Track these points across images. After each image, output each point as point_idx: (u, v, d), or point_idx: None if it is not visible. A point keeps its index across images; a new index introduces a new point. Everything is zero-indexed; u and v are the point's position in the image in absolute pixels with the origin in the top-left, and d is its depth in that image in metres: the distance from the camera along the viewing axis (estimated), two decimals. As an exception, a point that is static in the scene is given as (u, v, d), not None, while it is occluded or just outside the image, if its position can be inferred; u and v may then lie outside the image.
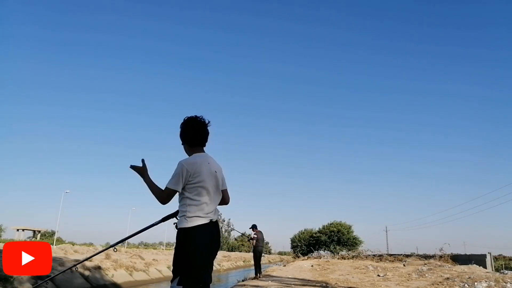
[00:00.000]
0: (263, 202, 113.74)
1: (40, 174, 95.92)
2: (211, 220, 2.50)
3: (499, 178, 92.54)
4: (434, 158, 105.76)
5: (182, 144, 2.73)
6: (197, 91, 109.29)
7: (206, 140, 2.71)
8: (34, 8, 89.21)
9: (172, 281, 2.39)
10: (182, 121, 2.70)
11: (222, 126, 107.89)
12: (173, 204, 2.56)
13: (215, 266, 29.05)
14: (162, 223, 2.76)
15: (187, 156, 2.68)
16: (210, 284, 2.53)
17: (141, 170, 2.61)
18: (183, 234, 2.43)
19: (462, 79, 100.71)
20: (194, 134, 2.65)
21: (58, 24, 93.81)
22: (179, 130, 2.71)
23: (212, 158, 2.71)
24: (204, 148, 2.73)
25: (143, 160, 2.65)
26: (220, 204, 2.74)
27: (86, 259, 3.06)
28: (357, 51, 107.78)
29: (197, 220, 2.43)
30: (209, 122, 2.70)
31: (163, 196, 2.51)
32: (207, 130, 2.69)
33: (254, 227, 10.93)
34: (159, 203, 2.52)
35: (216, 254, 2.60)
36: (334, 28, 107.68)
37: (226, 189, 2.76)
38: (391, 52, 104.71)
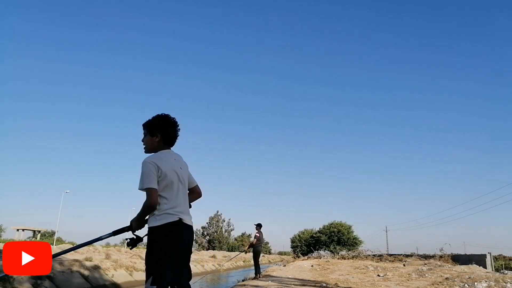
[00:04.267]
0: (263, 202, 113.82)
1: (40, 174, 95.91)
2: (180, 219, 2.44)
3: (499, 178, 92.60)
4: (434, 158, 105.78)
5: (147, 137, 2.67)
6: (198, 88, 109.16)
7: (174, 140, 2.72)
8: (35, 3, 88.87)
9: (146, 281, 2.35)
10: (154, 116, 2.69)
11: (222, 124, 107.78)
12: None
13: (215, 266, 29.03)
14: (113, 236, 2.56)
15: (149, 152, 2.66)
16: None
17: (130, 227, 2.51)
18: (152, 232, 2.40)
19: (464, 76, 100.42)
20: (169, 132, 2.65)
21: (58, 19, 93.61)
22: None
23: (178, 155, 2.72)
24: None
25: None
26: (195, 199, 2.78)
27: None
28: (358, 47, 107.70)
29: (166, 217, 2.40)
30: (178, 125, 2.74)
31: (149, 199, 2.39)
32: (177, 130, 2.72)
33: (259, 226, 10.90)
34: (152, 208, 2.41)
35: (189, 255, 2.53)
36: (337, 23, 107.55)
37: (197, 185, 2.79)
38: (394, 48, 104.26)
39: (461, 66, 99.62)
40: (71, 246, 27.10)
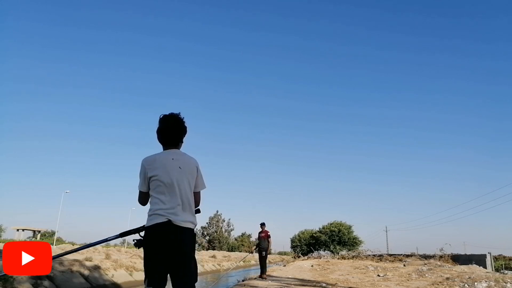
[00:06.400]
0: (263, 202, 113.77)
1: (40, 174, 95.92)
2: (169, 220, 2.33)
3: (499, 178, 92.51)
4: (435, 157, 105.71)
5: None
6: (200, 88, 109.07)
7: (176, 139, 2.58)
8: (34, 3, 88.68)
9: (144, 281, 2.34)
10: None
11: (222, 125, 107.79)
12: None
13: (215, 266, 29.03)
14: (120, 238, 2.60)
15: None
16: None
17: (137, 229, 2.52)
18: (144, 233, 2.39)
19: (465, 75, 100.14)
20: (161, 133, 2.59)
21: (58, 20, 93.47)
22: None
23: (183, 155, 2.57)
24: (182, 146, 2.65)
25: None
26: None
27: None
28: (360, 46, 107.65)
29: (154, 218, 2.36)
30: (183, 119, 2.60)
31: (138, 198, 2.55)
32: (178, 128, 2.58)
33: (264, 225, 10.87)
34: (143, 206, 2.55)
35: (182, 257, 2.35)
36: (337, 24, 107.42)
37: (198, 192, 2.59)
38: (395, 48, 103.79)
39: (460, 66, 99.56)
40: (71, 246, 27.12)
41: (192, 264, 2.42)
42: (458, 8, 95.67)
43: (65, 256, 16.27)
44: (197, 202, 2.60)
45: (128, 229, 2.55)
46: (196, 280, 2.43)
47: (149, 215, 2.41)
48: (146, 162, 2.47)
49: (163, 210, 2.37)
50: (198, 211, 2.65)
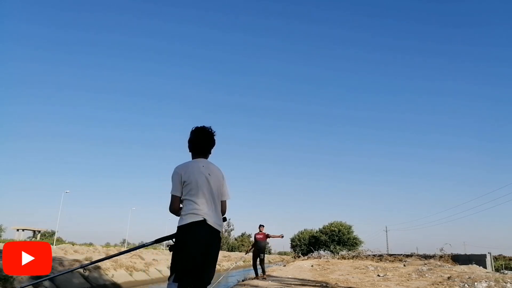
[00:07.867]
0: (263, 202, 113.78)
1: (40, 174, 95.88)
2: (205, 219, 2.50)
3: (499, 178, 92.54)
4: (435, 158, 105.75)
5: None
6: (199, 90, 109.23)
7: (206, 150, 2.82)
8: (35, 6, 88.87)
9: (169, 278, 2.44)
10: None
11: (221, 125, 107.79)
12: (169, 227, 2.49)
13: (215, 266, 28.94)
14: (155, 244, 2.80)
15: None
16: (210, 285, 2.53)
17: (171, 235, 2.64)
18: (178, 232, 2.52)
19: (464, 77, 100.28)
20: (192, 144, 2.81)
21: (60, 22, 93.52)
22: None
23: (211, 164, 2.79)
24: (210, 156, 2.86)
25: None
26: None
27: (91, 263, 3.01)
28: (358, 49, 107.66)
29: (190, 217, 2.49)
30: (213, 132, 2.82)
31: (170, 204, 2.63)
32: (208, 140, 2.80)
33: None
34: (171, 211, 2.64)
35: (211, 257, 2.55)
36: (335, 27, 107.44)
37: (224, 201, 2.78)
38: (394, 51, 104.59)
39: (460, 68, 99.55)
40: (71, 245, 27.11)
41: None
42: (460, 11, 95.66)
43: (65, 256, 16.28)
44: (223, 211, 2.79)
45: (163, 236, 2.69)
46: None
47: (184, 215, 2.53)
48: (180, 169, 2.64)
49: (198, 210, 2.52)
50: (224, 220, 2.82)
